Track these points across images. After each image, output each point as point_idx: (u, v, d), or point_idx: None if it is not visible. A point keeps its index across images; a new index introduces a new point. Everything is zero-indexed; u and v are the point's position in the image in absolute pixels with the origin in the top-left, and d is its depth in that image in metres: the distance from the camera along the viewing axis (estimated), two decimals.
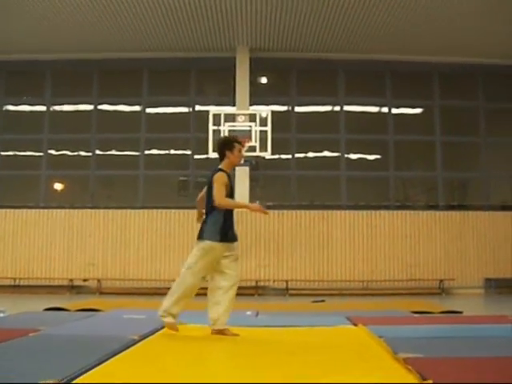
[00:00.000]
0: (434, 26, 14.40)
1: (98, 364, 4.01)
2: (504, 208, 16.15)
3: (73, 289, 14.61)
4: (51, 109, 16.52)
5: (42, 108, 16.52)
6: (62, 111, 16.71)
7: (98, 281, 14.65)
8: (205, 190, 6.00)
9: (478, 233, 15.36)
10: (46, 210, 15.35)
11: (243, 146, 6.28)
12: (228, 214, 5.85)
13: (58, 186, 16.62)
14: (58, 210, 15.33)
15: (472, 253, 15.22)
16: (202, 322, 6.05)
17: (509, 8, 13.35)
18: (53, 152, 16.25)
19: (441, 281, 14.72)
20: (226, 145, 5.97)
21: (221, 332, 5.66)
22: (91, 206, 15.62)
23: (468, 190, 17.28)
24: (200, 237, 5.79)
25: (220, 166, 5.91)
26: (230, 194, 5.83)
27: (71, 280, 14.66)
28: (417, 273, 14.93)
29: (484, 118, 16.59)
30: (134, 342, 5.07)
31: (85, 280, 14.77)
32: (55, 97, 16.52)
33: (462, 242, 15.26)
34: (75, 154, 16.34)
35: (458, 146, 16.81)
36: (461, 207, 16.08)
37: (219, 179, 5.73)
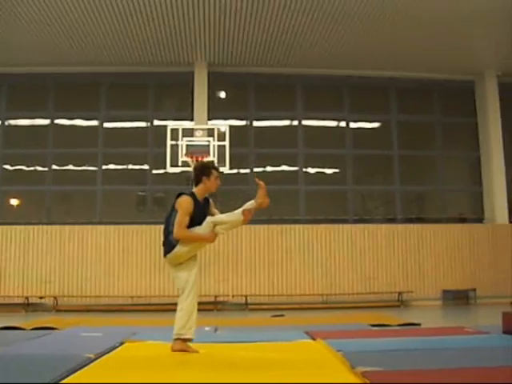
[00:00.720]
0: (392, 42, 14.62)
1: None
2: (461, 220, 16.42)
3: (28, 307, 14.30)
4: (6, 123, 16.26)
5: None
6: (17, 125, 16.46)
7: (55, 298, 14.38)
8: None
9: (436, 245, 15.54)
10: (0, 226, 15.05)
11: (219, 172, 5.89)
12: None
13: (14, 202, 16.32)
14: (14, 226, 15.04)
15: (430, 265, 15.39)
16: (162, 338, 5.96)
17: (464, 25, 13.64)
18: (8, 167, 15.98)
19: (399, 293, 14.85)
20: (203, 170, 5.67)
21: (181, 349, 5.44)
22: (47, 222, 15.38)
23: (425, 203, 17.50)
24: (167, 251, 5.49)
25: (192, 190, 5.61)
26: (192, 223, 5.41)
27: (27, 298, 14.36)
28: (375, 286, 15.04)
29: (440, 132, 16.87)
30: (90, 361, 4.95)
31: (41, 297, 14.49)
32: (10, 110, 16.26)
33: (420, 255, 15.44)
34: (31, 168, 16.08)
35: (415, 160, 17.05)
36: (418, 220, 16.28)
37: (183, 205, 5.40)
